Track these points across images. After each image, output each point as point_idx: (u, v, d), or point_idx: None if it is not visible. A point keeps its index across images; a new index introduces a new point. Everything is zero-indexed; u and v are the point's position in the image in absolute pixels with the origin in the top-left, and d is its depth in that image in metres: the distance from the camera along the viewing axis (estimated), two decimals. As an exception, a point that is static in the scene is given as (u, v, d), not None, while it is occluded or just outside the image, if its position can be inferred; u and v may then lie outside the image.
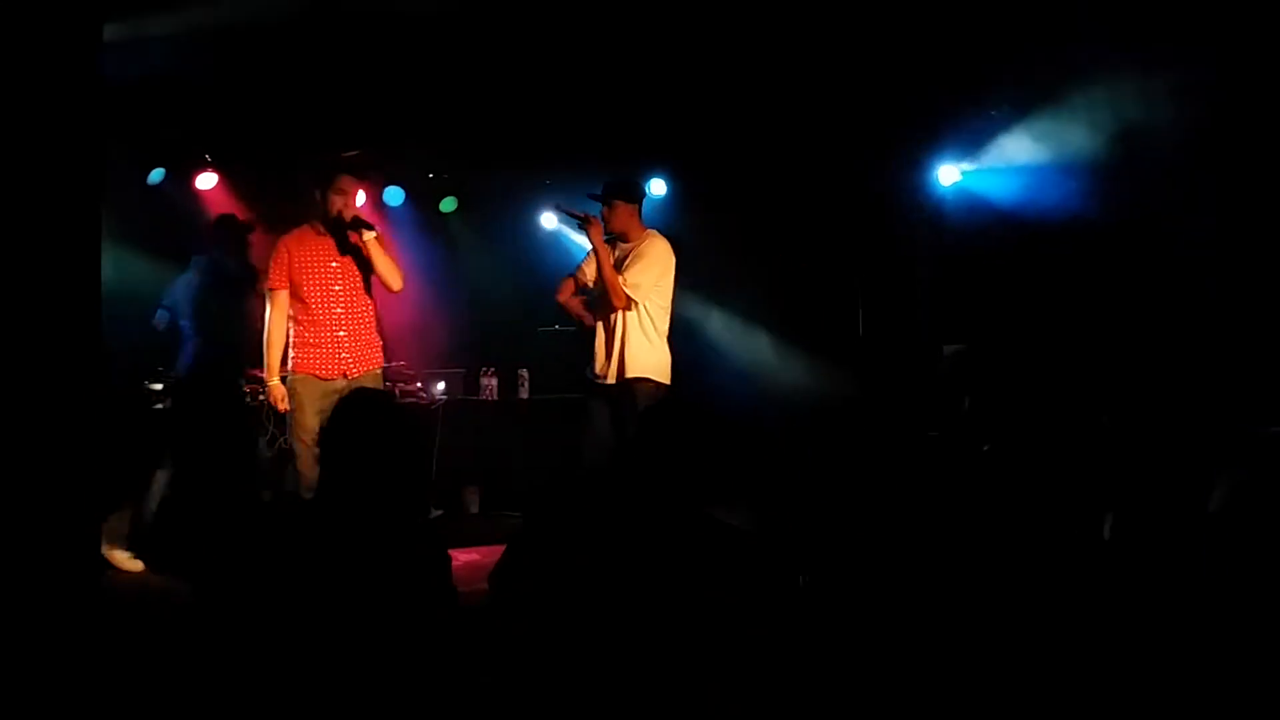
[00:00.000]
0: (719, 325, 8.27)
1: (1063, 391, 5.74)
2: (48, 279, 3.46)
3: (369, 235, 5.22)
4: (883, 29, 5.78)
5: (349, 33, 5.72)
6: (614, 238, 5.57)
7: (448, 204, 8.31)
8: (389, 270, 5.28)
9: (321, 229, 5.29)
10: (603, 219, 5.53)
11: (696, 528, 2.76)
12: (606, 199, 5.54)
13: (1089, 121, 5.96)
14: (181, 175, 7.41)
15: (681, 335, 8.25)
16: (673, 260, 5.59)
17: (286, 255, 5.26)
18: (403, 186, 8.12)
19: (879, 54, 6.05)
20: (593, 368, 5.56)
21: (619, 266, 5.48)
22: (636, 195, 5.63)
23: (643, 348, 5.48)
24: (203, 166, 7.43)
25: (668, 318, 5.60)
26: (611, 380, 5.47)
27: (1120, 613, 3.14)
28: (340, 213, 5.24)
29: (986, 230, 6.87)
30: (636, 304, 5.43)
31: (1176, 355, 5.54)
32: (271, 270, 5.30)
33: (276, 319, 5.26)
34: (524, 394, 7.55)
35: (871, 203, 7.53)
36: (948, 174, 7.31)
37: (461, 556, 5.84)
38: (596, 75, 6.42)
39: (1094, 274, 6.18)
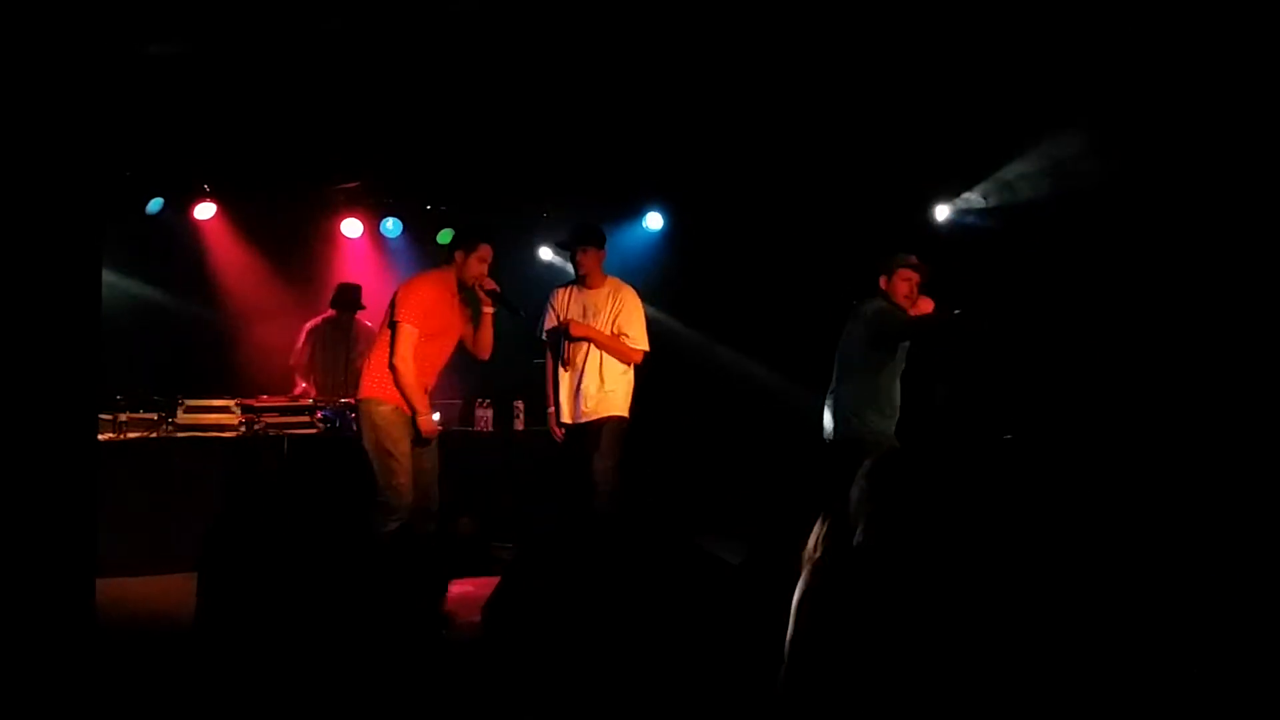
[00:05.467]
0: (714, 356, 8.29)
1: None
2: (48, 303, 3.47)
3: (489, 310, 5.51)
4: (881, 69, 5.84)
5: (348, 65, 5.77)
6: (578, 281, 5.94)
7: (445, 236, 8.33)
8: (489, 343, 5.60)
9: (454, 285, 5.46)
10: (574, 262, 5.95)
11: (686, 562, 2.76)
12: (580, 244, 5.89)
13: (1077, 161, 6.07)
14: (180, 205, 7.43)
15: (681, 366, 8.35)
16: None
17: (430, 297, 5.39)
18: (400, 218, 8.16)
19: (878, 92, 6.10)
20: (564, 408, 5.92)
21: (588, 313, 5.87)
22: (604, 241, 5.97)
23: (618, 385, 5.87)
24: (201, 197, 7.45)
25: None
26: (589, 419, 5.84)
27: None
28: (479, 279, 5.42)
29: (978, 264, 6.91)
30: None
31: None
32: (411, 306, 5.33)
33: (409, 353, 5.30)
34: (519, 425, 7.54)
35: (867, 238, 7.57)
36: (942, 212, 7.36)
37: (455, 588, 5.84)
38: (596, 108, 6.47)
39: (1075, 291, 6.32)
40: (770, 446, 7.22)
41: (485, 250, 5.45)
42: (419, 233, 8.23)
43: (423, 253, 8.22)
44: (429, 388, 5.48)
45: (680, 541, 2.76)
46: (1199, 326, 5.69)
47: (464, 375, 8.00)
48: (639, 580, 2.72)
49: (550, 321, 5.95)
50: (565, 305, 5.93)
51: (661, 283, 8.45)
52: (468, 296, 5.52)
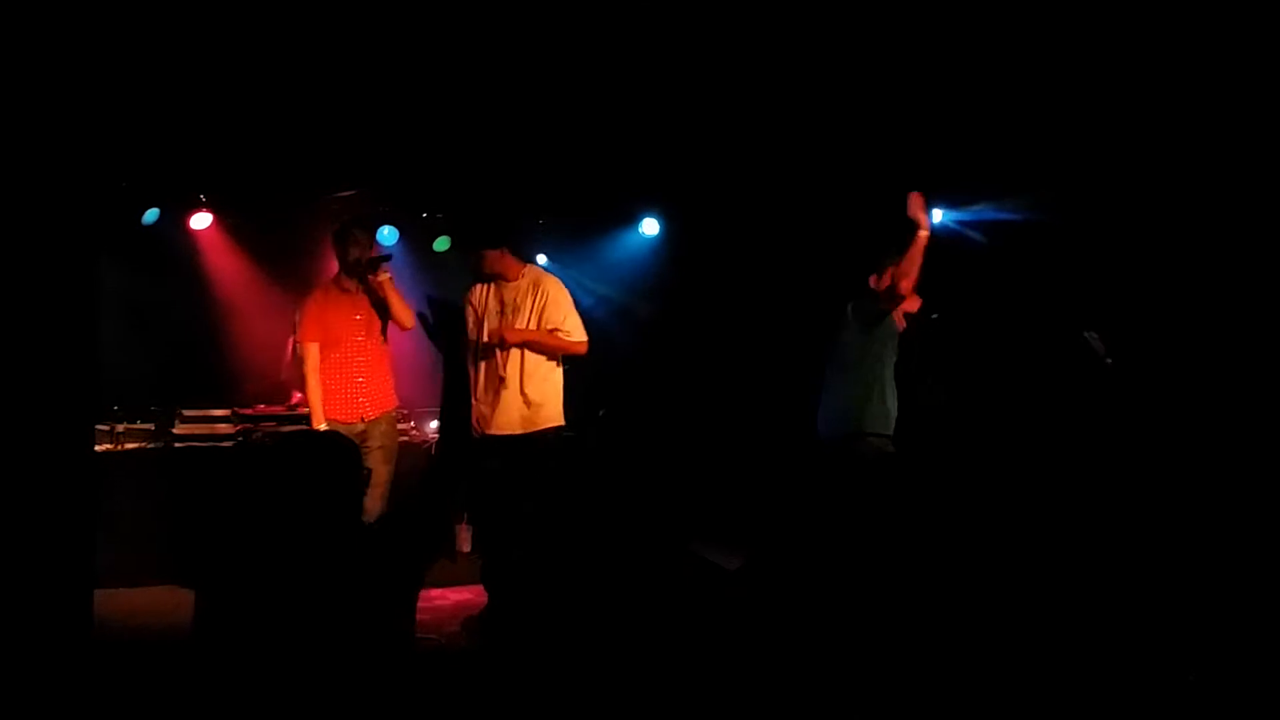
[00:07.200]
0: (711, 360, 8.30)
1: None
2: (44, 314, 3.48)
3: (384, 275, 5.58)
4: (879, 74, 5.86)
5: (343, 72, 5.78)
6: (493, 278, 5.43)
7: (441, 244, 8.33)
8: (401, 309, 5.64)
9: (345, 284, 5.67)
10: (471, 269, 5.48)
11: (681, 567, 2.76)
12: (474, 248, 5.46)
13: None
14: (176, 215, 7.42)
15: (678, 370, 8.36)
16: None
17: (316, 310, 5.64)
18: (396, 226, 8.16)
19: (874, 97, 6.12)
20: (488, 419, 5.40)
21: (507, 309, 5.36)
22: (497, 239, 5.44)
23: (545, 396, 5.39)
24: (197, 206, 7.45)
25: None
26: (516, 431, 5.35)
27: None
28: (357, 260, 5.59)
29: (966, 271, 6.95)
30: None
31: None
32: (303, 326, 5.65)
33: (313, 369, 5.63)
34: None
35: (865, 243, 7.58)
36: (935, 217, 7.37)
37: (453, 596, 5.85)
38: (592, 114, 6.48)
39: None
40: (768, 450, 7.22)
41: (353, 235, 5.66)
42: (415, 241, 8.23)
43: (419, 260, 8.22)
44: (363, 385, 5.65)
45: (676, 549, 2.77)
46: (1195, 325, 5.71)
47: (462, 382, 8.04)
48: (635, 588, 2.72)
49: (471, 321, 5.52)
50: (483, 303, 5.46)
51: (658, 287, 8.47)
52: (364, 284, 5.64)
